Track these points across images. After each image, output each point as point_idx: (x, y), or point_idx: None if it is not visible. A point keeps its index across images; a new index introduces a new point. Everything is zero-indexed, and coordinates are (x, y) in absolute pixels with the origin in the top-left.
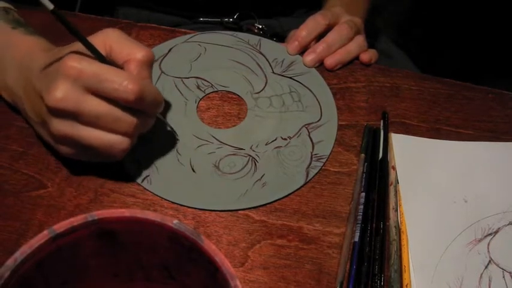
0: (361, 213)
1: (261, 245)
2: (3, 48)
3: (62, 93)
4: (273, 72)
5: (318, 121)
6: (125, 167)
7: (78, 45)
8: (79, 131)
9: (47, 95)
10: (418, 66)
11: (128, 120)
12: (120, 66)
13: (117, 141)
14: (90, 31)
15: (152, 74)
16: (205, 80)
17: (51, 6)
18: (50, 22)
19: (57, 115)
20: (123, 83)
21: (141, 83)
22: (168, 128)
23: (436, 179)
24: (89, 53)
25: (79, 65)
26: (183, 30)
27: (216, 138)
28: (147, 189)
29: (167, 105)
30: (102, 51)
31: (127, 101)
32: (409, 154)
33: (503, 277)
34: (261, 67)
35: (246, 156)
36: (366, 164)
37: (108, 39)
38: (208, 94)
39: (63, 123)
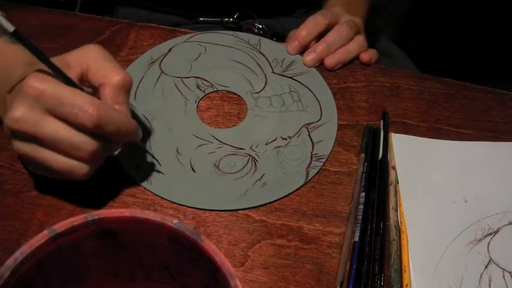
0: (361, 213)
1: (261, 244)
2: None
3: (19, 113)
4: (273, 72)
5: (318, 121)
6: (125, 167)
7: (56, 61)
8: (38, 152)
9: (6, 116)
10: (418, 66)
11: (88, 147)
12: (94, 88)
13: (76, 167)
14: (90, 31)
15: (130, 98)
16: (205, 80)
17: (11, 28)
18: (49, 22)
19: (16, 136)
20: (83, 108)
21: (104, 110)
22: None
23: (436, 179)
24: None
25: (40, 85)
26: (183, 30)
27: (216, 138)
28: (147, 189)
29: (167, 105)
30: (78, 68)
31: (85, 127)
32: (409, 154)
33: (503, 277)
34: (261, 67)
35: (246, 156)
36: (366, 163)
37: (86, 56)
38: (208, 94)
39: (23, 144)
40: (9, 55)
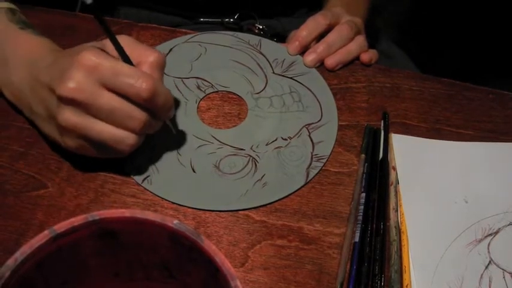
0: (361, 214)
1: (261, 245)
2: (11, 48)
3: (75, 83)
4: (274, 72)
5: (319, 121)
6: (125, 168)
7: (89, 44)
8: (89, 123)
9: (60, 85)
10: (418, 66)
11: (139, 117)
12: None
13: (125, 137)
14: (91, 31)
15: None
16: (205, 80)
17: (89, 0)
18: (49, 22)
19: (69, 105)
20: (138, 80)
21: (155, 82)
22: (174, 132)
23: (436, 180)
24: (104, 50)
25: (96, 58)
26: (183, 30)
27: (216, 139)
28: (148, 190)
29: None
30: (114, 53)
31: (141, 98)
32: (410, 154)
33: (504, 277)
34: (261, 67)
35: (246, 157)
36: (366, 164)
37: (120, 42)
38: (208, 94)
39: (74, 114)
40: (36, 45)
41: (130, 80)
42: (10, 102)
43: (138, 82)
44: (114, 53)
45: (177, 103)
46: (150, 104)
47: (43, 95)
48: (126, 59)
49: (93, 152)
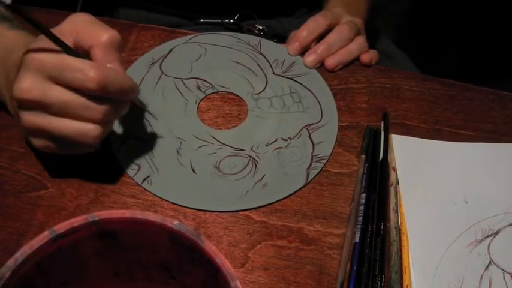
0: (361, 214)
1: (262, 245)
2: None
3: (25, 84)
4: (274, 73)
5: (319, 122)
6: (125, 168)
7: (43, 38)
8: (49, 121)
9: (13, 87)
10: (418, 66)
11: (96, 107)
12: (86, 52)
13: (88, 129)
14: None
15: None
16: (205, 81)
17: (7, 1)
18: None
19: (25, 107)
20: (84, 72)
21: (104, 71)
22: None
23: (437, 180)
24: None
25: (40, 55)
26: (183, 31)
27: (216, 139)
28: (148, 190)
29: (168, 106)
30: (70, 37)
31: (89, 90)
32: (410, 155)
33: (504, 278)
34: (261, 68)
35: (246, 157)
36: (366, 165)
37: (74, 24)
38: (208, 95)
39: (32, 115)
40: (10, 40)
41: (75, 73)
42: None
43: (84, 74)
44: (70, 38)
45: (177, 103)
46: (103, 93)
47: (10, 95)
48: (69, 51)
49: (62, 149)
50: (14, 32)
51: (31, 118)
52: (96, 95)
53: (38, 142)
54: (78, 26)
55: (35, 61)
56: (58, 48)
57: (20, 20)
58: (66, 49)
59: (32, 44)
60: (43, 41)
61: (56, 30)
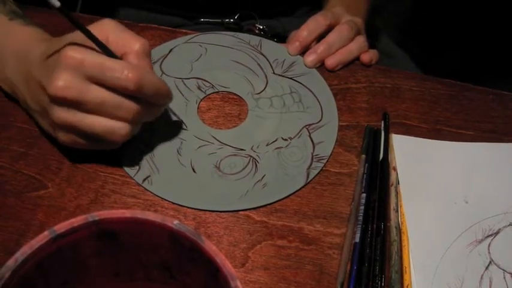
0: (361, 214)
1: (262, 245)
2: (2, 40)
3: (63, 82)
4: (274, 72)
5: (319, 122)
6: (125, 168)
7: (77, 35)
8: (81, 118)
9: (48, 85)
10: (418, 66)
11: (129, 106)
12: (118, 57)
13: (118, 127)
14: None
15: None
16: (206, 81)
17: (57, 4)
18: (50, 23)
19: (59, 104)
20: (123, 72)
21: (141, 73)
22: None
23: (437, 180)
24: (87, 43)
25: (80, 55)
26: (183, 30)
27: (216, 139)
28: (148, 190)
29: (168, 106)
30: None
31: (127, 90)
32: (410, 155)
33: (504, 278)
34: (261, 68)
35: (246, 157)
36: (366, 164)
37: (104, 30)
38: (209, 95)
39: (65, 112)
40: (25, 35)
41: (115, 73)
42: (8, 95)
43: (123, 75)
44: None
45: (177, 103)
46: (138, 94)
47: (36, 91)
48: (109, 53)
49: (88, 145)
50: (29, 28)
51: (64, 115)
52: (132, 95)
53: (65, 137)
54: (109, 32)
55: (74, 60)
56: (93, 47)
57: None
58: (106, 51)
59: (64, 41)
60: (74, 39)
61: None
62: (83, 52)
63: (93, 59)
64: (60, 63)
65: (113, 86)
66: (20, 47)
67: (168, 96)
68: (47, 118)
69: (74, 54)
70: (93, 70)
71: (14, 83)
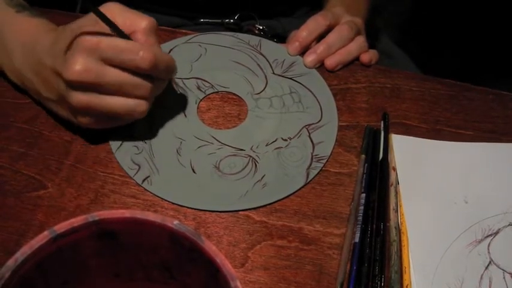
0: (361, 214)
1: (262, 245)
2: (9, 32)
3: (81, 66)
4: (274, 73)
5: (319, 122)
6: (125, 168)
7: (86, 20)
8: (101, 100)
9: (66, 70)
10: (418, 66)
11: (146, 85)
12: (130, 38)
13: (136, 105)
14: None
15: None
16: (205, 81)
17: None
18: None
19: (78, 88)
20: (139, 53)
21: (153, 51)
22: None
23: (437, 180)
24: (96, 27)
25: (95, 38)
26: (183, 31)
27: (216, 139)
28: (148, 190)
29: (168, 106)
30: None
31: (143, 69)
32: (410, 155)
33: (504, 278)
34: (261, 68)
35: (246, 157)
36: (366, 164)
37: (110, 12)
38: (208, 95)
39: (84, 94)
40: (32, 27)
41: (131, 55)
42: (12, 95)
43: (139, 56)
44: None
45: (177, 103)
46: (153, 72)
47: (50, 79)
48: (121, 34)
49: (109, 124)
50: (35, 19)
51: (83, 98)
52: (147, 73)
53: (86, 120)
54: (115, 13)
55: (90, 43)
56: (103, 30)
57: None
58: (118, 32)
59: (71, 28)
60: (84, 24)
61: (92, 17)
62: (97, 36)
63: (108, 42)
64: (76, 48)
65: (130, 67)
66: (27, 39)
67: (175, 70)
68: (65, 104)
69: (88, 38)
70: (109, 52)
71: (23, 74)
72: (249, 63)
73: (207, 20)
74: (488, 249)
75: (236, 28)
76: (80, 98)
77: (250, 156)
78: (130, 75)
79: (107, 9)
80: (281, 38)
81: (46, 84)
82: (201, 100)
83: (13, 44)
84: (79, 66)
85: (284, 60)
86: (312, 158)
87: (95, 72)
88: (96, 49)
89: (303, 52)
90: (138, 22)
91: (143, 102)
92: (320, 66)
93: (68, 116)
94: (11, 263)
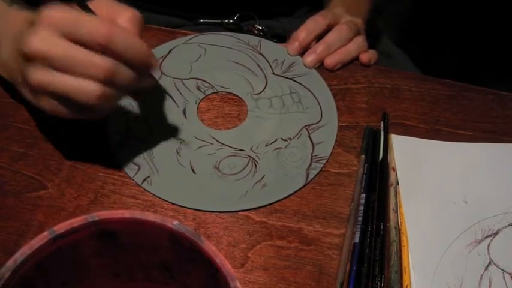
0: (361, 214)
1: (261, 246)
2: (1, 26)
3: (36, 38)
4: (273, 73)
5: (318, 122)
6: (125, 168)
7: (64, 7)
8: (53, 76)
9: (23, 43)
10: (418, 66)
11: (100, 63)
12: None
13: (88, 86)
14: None
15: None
16: (205, 81)
17: None
18: None
19: (33, 61)
20: (97, 27)
21: (113, 28)
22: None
23: (436, 180)
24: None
25: (55, 13)
26: (183, 31)
27: (216, 140)
28: (147, 190)
29: (168, 106)
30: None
31: (95, 42)
32: (409, 155)
33: (504, 278)
34: (261, 68)
35: (246, 157)
36: (366, 165)
37: (97, 5)
38: (208, 95)
39: (39, 70)
40: (21, 19)
41: (85, 27)
42: (7, 93)
43: (94, 28)
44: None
45: (176, 104)
46: (109, 50)
47: (19, 61)
48: (89, 11)
49: (70, 113)
50: (25, 12)
51: (38, 73)
52: (101, 50)
53: (46, 104)
54: (102, 6)
55: (50, 17)
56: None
57: None
58: (89, 12)
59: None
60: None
61: (77, 8)
62: (58, 10)
63: (68, 15)
64: (38, 22)
65: (83, 41)
66: (15, 30)
67: (145, 57)
68: (27, 86)
69: (50, 12)
70: (67, 25)
71: (9, 65)
72: (248, 64)
73: (207, 21)
74: (488, 249)
75: (236, 28)
76: (34, 73)
77: (250, 157)
78: (83, 50)
79: (96, 4)
80: (281, 38)
81: (17, 68)
82: (200, 100)
83: (3, 36)
84: (34, 38)
85: (284, 60)
86: (311, 158)
87: (49, 44)
88: (55, 22)
89: (302, 52)
90: (121, 13)
91: (97, 86)
92: (320, 67)
93: (32, 100)
94: (11, 263)
